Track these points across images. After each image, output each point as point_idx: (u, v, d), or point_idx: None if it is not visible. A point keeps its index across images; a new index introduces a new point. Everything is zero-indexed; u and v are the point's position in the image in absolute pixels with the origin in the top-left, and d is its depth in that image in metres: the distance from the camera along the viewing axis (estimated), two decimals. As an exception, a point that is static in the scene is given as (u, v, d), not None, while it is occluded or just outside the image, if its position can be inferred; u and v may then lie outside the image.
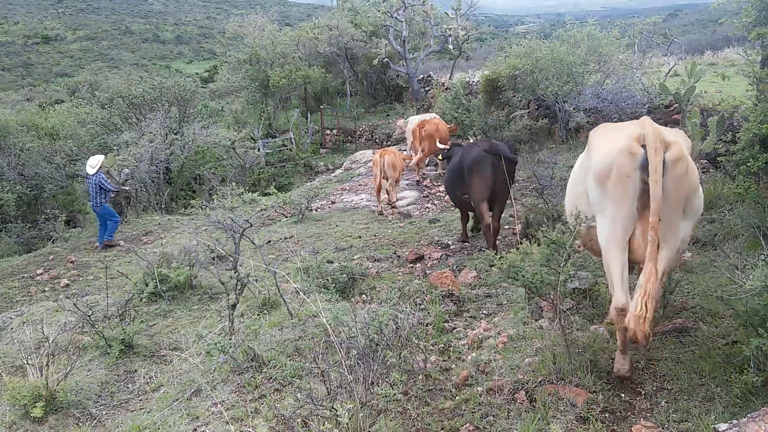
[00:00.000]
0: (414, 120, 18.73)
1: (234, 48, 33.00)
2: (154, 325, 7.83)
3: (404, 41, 28.82)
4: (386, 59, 29.58)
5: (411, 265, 9.18)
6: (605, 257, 4.15)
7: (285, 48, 30.26)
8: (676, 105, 11.74)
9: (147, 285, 8.36)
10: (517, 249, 4.59)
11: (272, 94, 30.18)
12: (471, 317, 6.59)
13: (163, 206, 17.58)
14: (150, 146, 17.90)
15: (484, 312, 6.72)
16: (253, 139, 24.42)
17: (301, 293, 5.61)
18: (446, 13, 30.57)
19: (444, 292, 6.98)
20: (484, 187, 8.49)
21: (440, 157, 11.58)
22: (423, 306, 6.82)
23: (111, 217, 13.40)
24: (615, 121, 13.08)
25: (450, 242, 10.19)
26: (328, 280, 6.43)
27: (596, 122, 14.87)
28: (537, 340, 4.94)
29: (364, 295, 7.70)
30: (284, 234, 12.13)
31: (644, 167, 3.90)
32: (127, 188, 15.76)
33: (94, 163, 13.10)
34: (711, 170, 10.11)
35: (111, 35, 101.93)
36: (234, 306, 5.47)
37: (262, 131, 26.20)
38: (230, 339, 4.94)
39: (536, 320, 5.56)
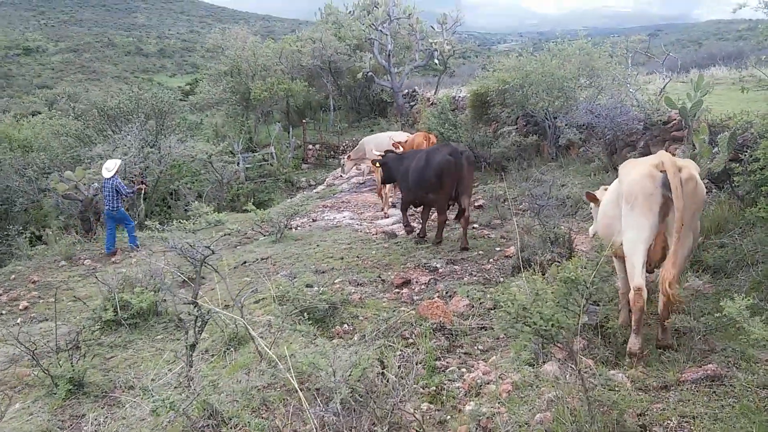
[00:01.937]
0: (380, 138, 18.44)
1: (215, 60, 32.24)
2: (111, 357, 7.04)
3: (389, 55, 28.29)
4: (370, 73, 29.01)
5: (397, 290, 8.50)
6: (631, 259, 5.03)
7: (267, 60, 29.54)
8: (675, 121, 11.18)
9: (106, 311, 7.59)
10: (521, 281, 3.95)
11: (253, 107, 29.41)
12: (465, 353, 5.88)
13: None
14: (123, 159, 17.08)
15: (480, 347, 6.02)
16: (232, 152, 23.65)
17: (273, 329, 4.88)
18: (432, 27, 30.11)
19: (435, 325, 6.27)
20: (450, 187, 10.03)
21: (377, 164, 12.63)
22: (411, 340, 6.11)
23: (127, 222, 13.38)
24: (609, 139, 12.60)
25: (438, 265, 9.51)
26: (305, 315, 5.66)
27: (588, 139, 14.39)
28: (548, 389, 4.21)
29: (345, 325, 7.00)
30: (261, 254, 11.39)
31: (665, 185, 4.88)
32: (143, 185, 15.29)
33: (111, 167, 13.07)
34: (714, 190, 9.52)
35: (93, 47, 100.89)
36: (193, 346, 4.71)
37: (243, 145, 25.40)
38: (186, 389, 4.16)
39: (543, 362, 4.85)
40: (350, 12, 32.68)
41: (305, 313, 5.80)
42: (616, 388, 3.98)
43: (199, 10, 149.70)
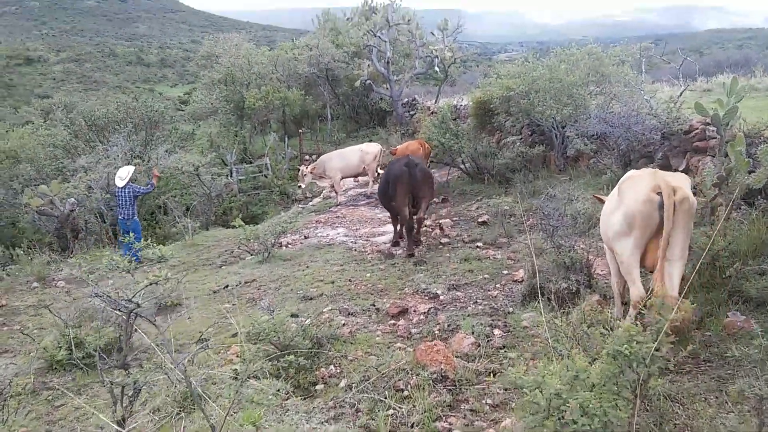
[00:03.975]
0: (347, 153, 18.57)
1: (209, 68, 31.32)
2: (60, 406, 6.06)
3: (388, 62, 27.36)
4: (369, 81, 28.07)
5: (392, 321, 7.51)
6: (628, 264, 5.53)
7: (262, 68, 28.59)
8: (697, 131, 10.22)
9: (60, 349, 6.63)
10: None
11: (248, 116, 28.44)
12: (471, 411, 4.88)
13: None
14: (105, 171, 16.15)
15: (489, 402, 5.02)
16: (224, 163, 22.69)
17: (234, 387, 3.92)
18: (432, 33, 29.17)
19: (435, 375, 5.28)
20: (405, 195, 10.63)
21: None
22: (407, 393, 5.12)
23: (137, 236, 12.52)
24: (623, 150, 11.63)
25: (439, 291, 8.51)
26: (281, 361, 4.66)
27: (599, 150, 13.41)
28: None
29: (332, 367, 6.04)
30: (246, 276, 10.43)
31: (661, 207, 5.24)
32: (157, 176, 14.59)
33: (123, 175, 12.89)
34: (743, 207, 8.53)
35: (94, 57, 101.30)
36: (121, 423, 3.70)
37: (237, 156, 24.41)
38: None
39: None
40: (348, 18, 31.85)
41: (283, 357, 4.79)
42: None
43: (201, 20, 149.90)
